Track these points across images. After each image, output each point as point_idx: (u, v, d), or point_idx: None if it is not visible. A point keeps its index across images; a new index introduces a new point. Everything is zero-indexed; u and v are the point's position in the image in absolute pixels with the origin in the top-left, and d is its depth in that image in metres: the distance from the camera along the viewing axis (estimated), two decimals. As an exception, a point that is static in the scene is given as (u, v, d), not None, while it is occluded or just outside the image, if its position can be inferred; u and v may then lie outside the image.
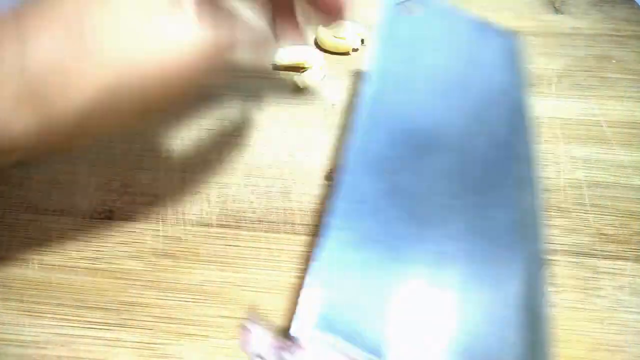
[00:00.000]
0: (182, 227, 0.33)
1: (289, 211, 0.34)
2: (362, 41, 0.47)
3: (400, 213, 0.29)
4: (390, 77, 0.35)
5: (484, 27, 0.42)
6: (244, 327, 0.28)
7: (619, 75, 0.45)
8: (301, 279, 0.30)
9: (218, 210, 0.34)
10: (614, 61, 0.47)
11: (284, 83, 0.43)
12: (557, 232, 0.33)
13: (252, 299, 0.29)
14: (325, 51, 0.47)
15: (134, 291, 0.30)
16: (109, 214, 0.34)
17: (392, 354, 0.24)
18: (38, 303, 0.29)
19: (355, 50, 0.47)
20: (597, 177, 0.37)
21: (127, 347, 0.28)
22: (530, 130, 0.35)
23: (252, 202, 0.35)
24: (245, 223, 0.33)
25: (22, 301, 0.29)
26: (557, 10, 0.53)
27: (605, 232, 0.33)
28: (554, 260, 0.32)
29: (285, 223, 0.33)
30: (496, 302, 0.26)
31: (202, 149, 0.37)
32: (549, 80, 0.45)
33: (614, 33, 0.50)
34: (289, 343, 0.24)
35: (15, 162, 0.23)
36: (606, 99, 0.43)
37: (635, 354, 0.28)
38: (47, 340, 0.28)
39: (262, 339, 0.26)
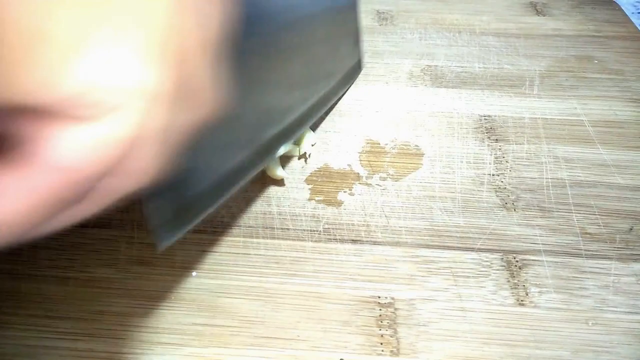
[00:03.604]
0: (158, 233, 0.32)
1: (269, 215, 0.33)
2: None
3: None
4: None
5: None
6: None
7: (600, 75, 0.45)
8: (280, 284, 0.30)
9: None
10: (595, 61, 0.46)
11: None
12: (540, 232, 0.33)
13: (228, 305, 0.29)
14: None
15: (106, 299, 0.29)
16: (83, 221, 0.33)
17: None
18: (6, 313, 0.28)
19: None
20: (580, 176, 0.36)
21: (99, 358, 0.27)
22: None
23: (230, 207, 0.34)
24: (223, 228, 0.32)
25: (-11, 312, 0.28)
26: (538, 12, 0.53)
27: (588, 231, 0.33)
28: (538, 260, 0.31)
29: (265, 228, 0.33)
30: None
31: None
32: (531, 81, 0.44)
33: (595, 34, 0.50)
34: None
35: None
36: (588, 98, 0.43)
37: (622, 354, 0.27)
38: (16, 352, 0.27)
39: None
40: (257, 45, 0.30)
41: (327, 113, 0.41)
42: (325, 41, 0.39)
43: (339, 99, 0.43)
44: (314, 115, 0.38)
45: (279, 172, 0.35)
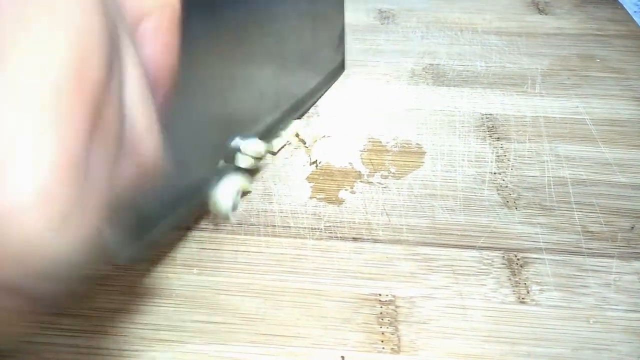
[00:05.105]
0: (158, 231, 0.32)
1: (270, 213, 0.33)
2: None
3: None
4: None
5: None
6: None
7: (602, 74, 0.45)
8: (281, 282, 0.30)
9: (195, 213, 0.33)
10: (597, 60, 0.46)
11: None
12: (541, 230, 0.32)
13: (229, 302, 0.29)
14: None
15: (107, 296, 0.29)
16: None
17: None
18: (7, 310, 0.28)
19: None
20: (582, 174, 0.36)
21: (99, 355, 0.27)
22: None
23: (231, 205, 0.34)
24: (224, 226, 0.32)
25: (-10, 308, 0.28)
26: (540, 11, 0.53)
27: (590, 229, 0.33)
28: (539, 258, 0.31)
29: (266, 225, 0.33)
30: None
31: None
32: (533, 80, 0.44)
33: (597, 32, 0.50)
34: None
35: None
36: (590, 97, 0.43)
37: (622, 352, 0.27)
38: (14, 348, 0.27)
39: None
40: (221, 41, 0.28)
41: (306, 111, 0.41)
42: (304, 43, 0.38)
43: (316, 101, 0.42)
44: (285, 121, 0.38)
45: (224, 206, 0.31)
